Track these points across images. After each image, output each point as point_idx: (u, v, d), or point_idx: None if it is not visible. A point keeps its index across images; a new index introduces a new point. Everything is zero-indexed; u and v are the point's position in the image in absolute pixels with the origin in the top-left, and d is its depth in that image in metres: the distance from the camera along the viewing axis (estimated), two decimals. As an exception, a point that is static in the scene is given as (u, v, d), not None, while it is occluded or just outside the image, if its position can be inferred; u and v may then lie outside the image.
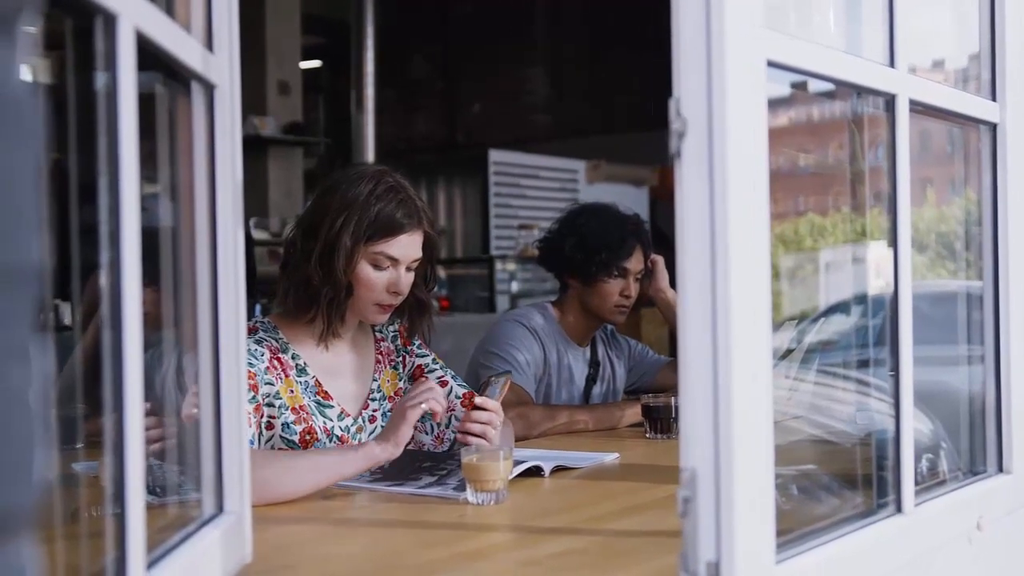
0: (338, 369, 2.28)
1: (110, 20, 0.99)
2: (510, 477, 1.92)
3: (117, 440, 1.00)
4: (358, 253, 2.16)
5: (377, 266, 2.18)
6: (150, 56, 1.10)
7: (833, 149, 2.04)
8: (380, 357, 2.37)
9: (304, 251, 2.18)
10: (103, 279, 1.01)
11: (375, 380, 2.34)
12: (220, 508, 1.37)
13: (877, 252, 1.91)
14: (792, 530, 1.33)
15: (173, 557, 1.17)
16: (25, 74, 0.58)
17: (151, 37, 1.09)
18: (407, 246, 2.20)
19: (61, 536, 1.18)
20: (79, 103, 1.04)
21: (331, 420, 2.21)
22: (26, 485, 0.57)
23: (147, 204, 1.10)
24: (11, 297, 0.56)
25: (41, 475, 0.59)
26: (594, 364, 3.14)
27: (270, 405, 2.12)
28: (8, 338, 0.56)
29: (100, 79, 1.02)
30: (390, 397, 2.34)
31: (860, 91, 1.56)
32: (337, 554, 1.62)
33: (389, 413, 2.30)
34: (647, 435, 2.65)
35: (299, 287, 2.19)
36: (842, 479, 1.73)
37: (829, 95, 1.71)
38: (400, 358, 2.40)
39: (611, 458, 2.34)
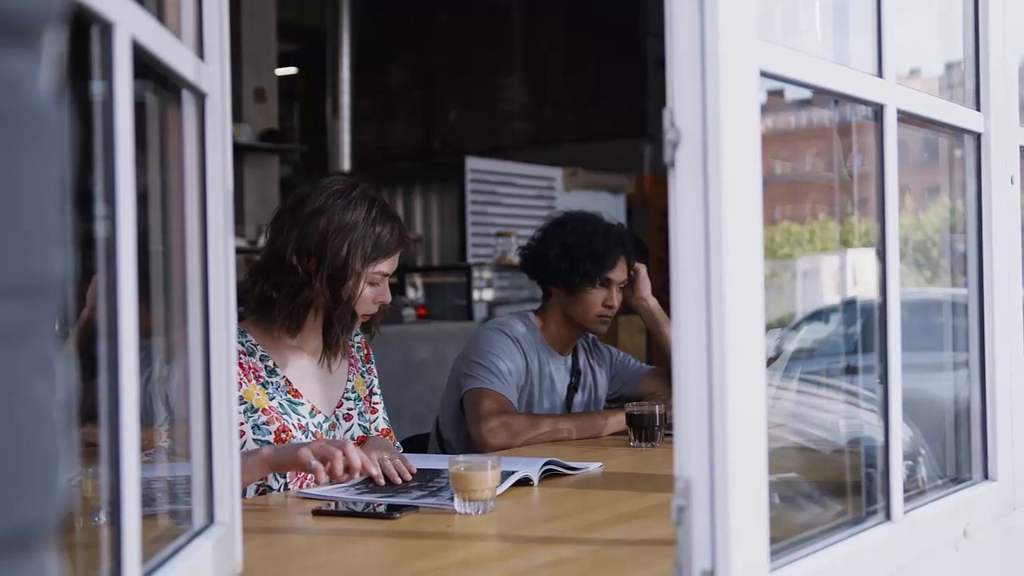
0: (310, 371, 2.34)
1: (106, 28, 0.98)
2: (502, 490, 1.91)
3: (113, 451, 1.00)
4: (364, 277, 2.26)
5: (372, 283, 2.29)
6: (141, 64, 1.10)
7: (810, 157, 2.05)
8: (352, 360, 2.45)
9: (306, 274, 2.22)
10: (99, 288, 1.00)
11: (349, 380, 2.42)
12: (211, 519, 1.36)
13: (855, 260, 1.93)
14: (784, 538, 1.33)
15: (166, 569, 1.16)
16: (50, 85, 0.58)
17: (146, 46, 1.08)
18: (396, 261, 2.34)
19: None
20: (73, 111, 1.03)
21: (304, 417, 2.27)
22: (52, 498, 0.57)
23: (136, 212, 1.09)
24: (36, 310, 0.55)
25: (64, 488, 0.59)
26: (575, 373, 3.14)
27: None
28: (33, 351, 0.55)
29: (95, 87, 1.01)
30: (364, 398, 2.44)
31: (850, 101, 1.57)
32: (326, 565, 1.61)
33: (363, 414, 2.42)
34: (631, 443, 2.66)
35: (304, 309, 2.26)
36: (828, 487, 1.73)
37: (805, 103, 1.72)
38: (366, 368, 2.51)
39: (595, 467, 2.34)
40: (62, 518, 1.28)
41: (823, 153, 1.92)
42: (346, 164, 8.55)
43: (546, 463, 2.19)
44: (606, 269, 2.98)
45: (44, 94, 0.57)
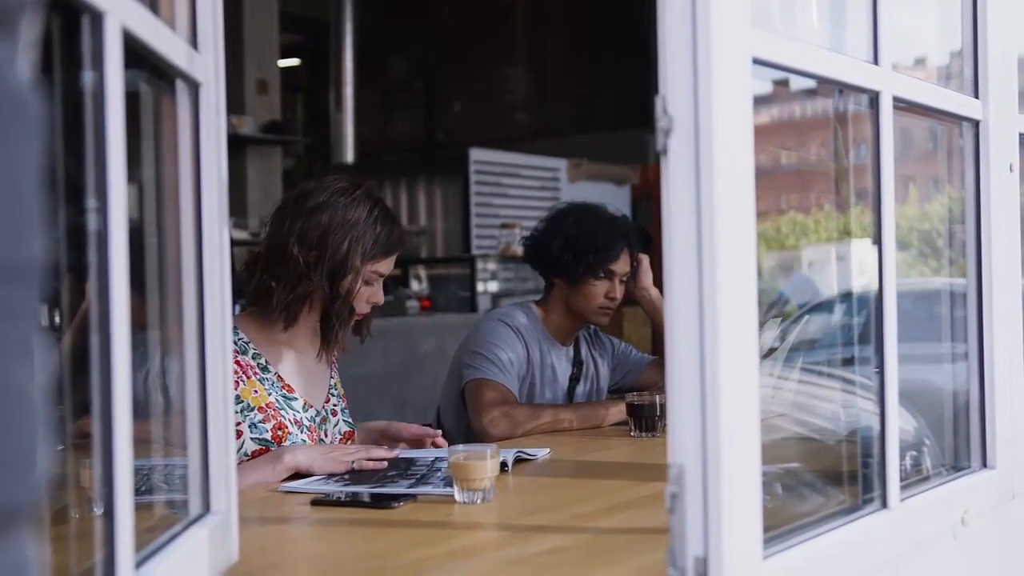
0: (298, 367, 2.37)
1: (97, 18, 0.98)
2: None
3: (105, 441, 1.00)
4: (362, 274, 2.28)
5: (367, 282, 2.32)
6: (134, 54, 1.10)
7: (815, 147, 2.05)
8: (333, 360, 2.49)
9: (306, 266, 2.24)
10: (90, 280, 1.01)
11: (332, 378, 2.47)
12: (207, 508, 1.36)
13: (859, 250, 1.92)
14: (779, 526, 1.33)
15: (161, 557, 1.17)
16: (26, 72, 0.58)
17: (137, 35, 1.08)
18: (392, 262, 2.37)
19: (46, 537, 1.18)
20: (64, 101, 1.03)
21: (298, 412, 2.30)
22: (30, 481, 0.57)
23: (129, 204, 1.09)
24: (15, 292, 0.56)
25: (44, 471, 0.59)
26: (577, 363, 3.14)
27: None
28: (12, 333, 0.56)
29: (86, 77, 1.01)
30: (342, 396, 2.49)
31: (844, 88, 1.57)
32: (323, 554, 1.62)
33: (345, 410, 2.46)
34: (631, 433, 2.66)
35: (301, 301, 2.28)
36: (827, 476, 1.73)
37: (811, 92, 1.71)
38: (337, 367, 2.54)
39: (544, 453, 2.37)
40: (57, 508, 1.29)
41: (828, 143, 1.92)
42: (349, 156, 8.56)
43: (516, 452, 2.25)
44: (609, 261, 2.98)
45: (21, 80, 0.58)
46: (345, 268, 2.26)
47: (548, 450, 2.41)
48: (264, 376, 2.28)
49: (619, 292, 3.02)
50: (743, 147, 1.21)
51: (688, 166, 1.17)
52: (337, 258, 2.25)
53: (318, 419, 2.36)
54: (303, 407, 2.32)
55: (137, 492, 1.11)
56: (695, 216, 1.17)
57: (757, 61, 1.24)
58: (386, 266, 2.34)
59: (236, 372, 2.21)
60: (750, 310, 1.21)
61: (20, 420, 0.56)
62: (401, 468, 2.14)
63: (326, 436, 2.36)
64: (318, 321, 2.34)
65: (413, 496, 1.89)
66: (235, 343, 2.26)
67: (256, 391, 2.25)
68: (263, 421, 2.23)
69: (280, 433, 2.23)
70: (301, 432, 2.28)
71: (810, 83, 1.57)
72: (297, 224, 2.26)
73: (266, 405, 2.24)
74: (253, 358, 2.28)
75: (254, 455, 2.19)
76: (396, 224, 2.35)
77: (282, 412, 2.26)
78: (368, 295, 2.33)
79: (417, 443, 2.43)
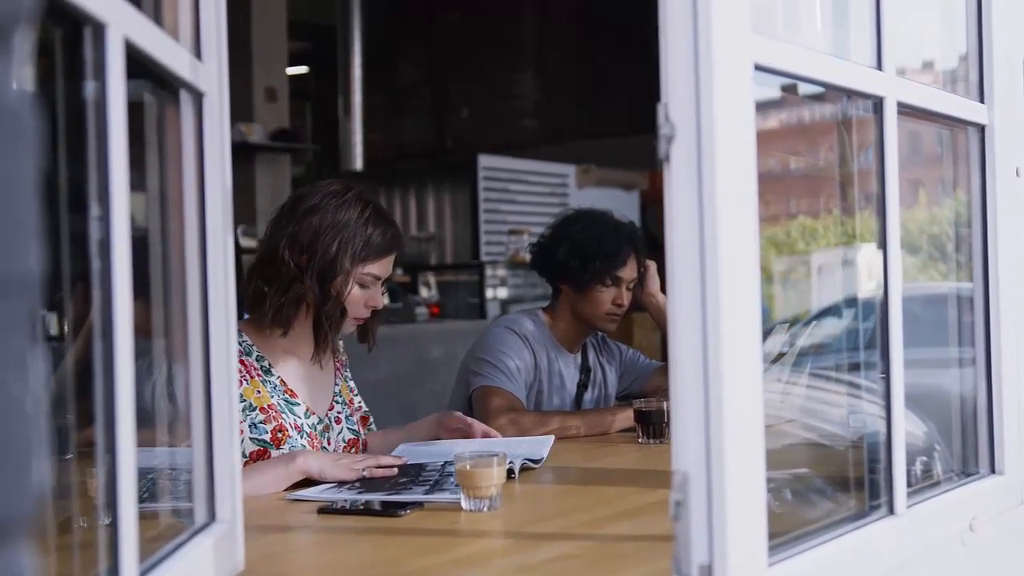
0: (302, 373, 2.37)
1: (99, 29, 0.99)
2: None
3: (109, 450, 1.00)
4: (353, 276, 2.28)
5: (363, 285, 2.31)
6: (138, 64, 1.10)
7: (824, 152, 2.05)
8: (338, 366, 2.49)
9: (297, 269, 2.24)
10: (94, 289, 1.01)
11: (336, 385, 2.46)
12: (212, 517, 1.36)
13: (868, 255, 1.92)
14: (785, 532, 1.33)
15: (166, 566, 1.17)
16: (22, 83, 0.58)
17: (140, 46, 1.08)
18: (390, 264, 2.36)
19: (53, 546, 1.18)
20: (67, 111, 1.04)
21: (299, 417, 2.31)
22: (25, 492, 0.57)
23: (134, 213, 1.10)
24: (9, 305, 0.56)
25: (40, 482, 0.59)
26: (585, 370, 3.13)
27: None
28: (6, 346, 0.56)
29: (89, 87, 1.02)
30: (348, 402, 2.48)
31: (848, 94, 1.56)
32: (330, 562, 1.62)
33: (350, 417, 2.45)
34: (639, 440, 2.65)
35: (293, 304, 2.28)
36: (835, 481, 1.73)
37: (819, 98, 1.71)
38: (347, 372, 2.54)
39: (548, 442, 2.40)
40: (64, 517, 1.29)
41: (838, 148, 1.92)
42: (358, 163, 8.56)
43: (522, 466, 2.22)
44: (616, 267, 2.98)
45: (16, 92, 0.58)
46: (335, 269, 2.26)
47: (552, 437, 2.42)
48: (267, 379, 2.28)
49: (626, 298, 3.02)
50: (745, 153, 1.21)
51: (690, 172, 1.17)
52: (327, 259, 2.25)
53: (320, 427, 2.35)
54: (305, 413, 2.32)
55: (141, 500, 1.12)
56: (698, 222, 1.16)
57: (759, 67, 1.24)
58: (380, 268, 2.32)
59: (240, 371, 2.21)
60: (753, 316, 1.21)
61: (15, 432, 0.56)
62: (412, 475, 2.13)
63: (329, 444, 2.36)
64: None
65: (420, 504, 1.89)
66: (240, 345, 2.26)
67: (259, 391, 2.26)
68: (264, 422, 2.23)
69: (280, 436, 2.23)
70: (301, 437, 2.27)
71: (818, 88, 1.57)
72: (289, 228, 2.28)
73: (268, 406, 2.25)
74: (257, 360, 2.29)
75: (252, 456, 2.20)
76: (390, 226, 2.34)
77: (283, 415, 2.26)
78: (366, 298, 2.32)
79: (464, 434, 2.45)
